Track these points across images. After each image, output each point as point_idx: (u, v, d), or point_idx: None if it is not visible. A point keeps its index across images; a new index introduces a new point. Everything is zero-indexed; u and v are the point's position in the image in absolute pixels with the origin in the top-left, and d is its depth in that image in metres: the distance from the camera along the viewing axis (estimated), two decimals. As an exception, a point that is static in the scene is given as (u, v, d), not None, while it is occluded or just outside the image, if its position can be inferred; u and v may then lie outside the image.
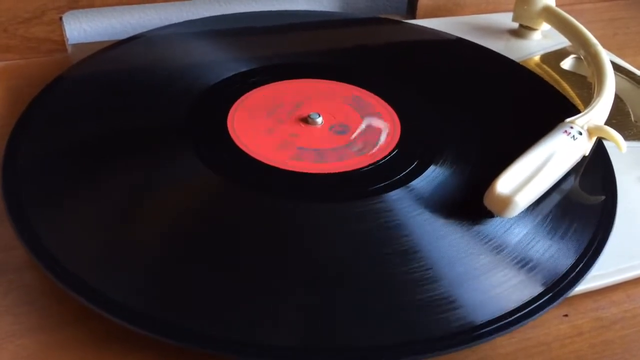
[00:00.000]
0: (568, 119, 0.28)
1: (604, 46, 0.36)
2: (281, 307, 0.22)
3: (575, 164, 0.28)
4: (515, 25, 0.43)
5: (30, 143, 0.28)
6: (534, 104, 0.34)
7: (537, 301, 0.22)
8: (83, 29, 0.45)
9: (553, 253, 0.24)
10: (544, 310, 0.22)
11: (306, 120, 0.30)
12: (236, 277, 0.22)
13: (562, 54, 0.41)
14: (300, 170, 0.27)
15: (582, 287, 0.24)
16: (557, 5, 0.41)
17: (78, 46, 0.40)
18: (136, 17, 0.46)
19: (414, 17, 0.47)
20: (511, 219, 0.25)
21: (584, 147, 0.28)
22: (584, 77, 0.38)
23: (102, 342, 0.22)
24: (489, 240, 0.24)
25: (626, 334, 0.23)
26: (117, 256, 0.23)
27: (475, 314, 0.21)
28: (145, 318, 0.21)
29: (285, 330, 0.21)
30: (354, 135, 0.29)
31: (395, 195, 0.26)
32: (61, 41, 0.38)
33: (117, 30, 0.45)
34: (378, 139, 0.29)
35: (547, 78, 0.37)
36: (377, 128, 0.30)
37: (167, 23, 0.40)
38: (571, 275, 0.23)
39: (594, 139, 0.29)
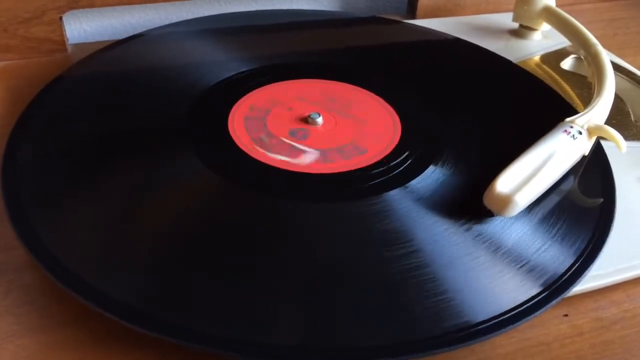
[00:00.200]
0: (568, 119, 0.28)
1: (604, 46, 0.36)
2: (281, 307, 0.22)
3: (575, 163, 0.28)
4: (516, 25, 0.43)
5: (30, 143, 0.28)
6: (534, 104, 0.34)
7: (537, 300, 0.22)
8: (83, 29, 0.45)
9: (552, 252, 0.24)
10: (543, 309, 0.22)
11: (306, 120, 0.30)
12: (236, 276, 0.22)
13: (562, 54, 0.41)
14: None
15: (582, 287, 0.24)
16: (557, 6, 0.41)
17: (78, 46, 0.40)
18: (136, 17, 0.46)
19: (414, 17, 0.47)
20: (511, 218, 0.25)
21: (584, 146, 0.28)
22: (584, 77, 0.38)
23: (102, 342, 0.22)
24: (489, 240, 0.24)
25: (626, 334, 0.23)
26: (117, 256, 0.23)
27: (475, 313, 0.21)
28: (145, 317, 0.21)
29: (285, 329, 0.21)
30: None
31: (395, 195, 0.26)
32: (61, 41, 0.38)
33: (117, 30, 0.45)
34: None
35: (547, 78, 0.38)
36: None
37: (167, 23, 0.40)
38: (571, 275, 0.23)
39: (593, 139, 0.29)
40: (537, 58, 0.40)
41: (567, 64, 0.40)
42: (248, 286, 0.22)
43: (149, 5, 0.45)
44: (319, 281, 0.23)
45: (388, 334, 0.21)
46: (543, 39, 0.43)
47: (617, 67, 0.38)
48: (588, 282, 0.24)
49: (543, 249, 0.24)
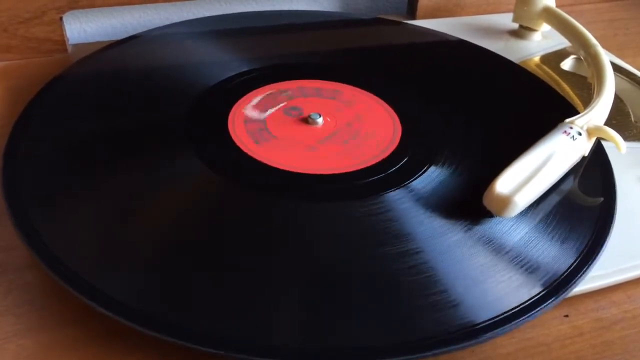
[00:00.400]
0: (568, 119, 0.28)
1: (604, 47, 0.36)
2: (281, 307, 0.22)
3: (574, 164, 0.28)
4: (516, 26, 0.43)
5: (30, 143, 0.28)
6: (534, 104, 0.34)
7: (537, 301, 0.22)
8: (83, 29, 0.45)
9: (553, 253, 0.24)
10: (544, 309, 0.22)
11: (307, 120, 0.30)
12: (236, 276, 0.22)
13: (562, 54, 0.41)
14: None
15: (582, 287, 0.24)
16: (557, 6, 0.41)
17: (78, 46, 0.40)
18: (136, 17, 0.46)
19: (414, 18, 0.47)
20: (511, 219, 0.25)
21: (584, 147, 0.28)
22: (584, 78, 0.38)
23: (102, 341, 0.22)
24: (489, 241, 0.24)
25: (626, 335, 0.23)
26: (118, 255, 0.23)
27: (475, 314, 0.21)
28: (145, 317, 0.21)
29: (285, 330, 0.21)
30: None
31: (396, 195, 0.26)
32: (61, 41, 0.38)
33: (117, 30, 0.45)
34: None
35: (547, 79, 0.38)
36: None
37: (167, 23, 0.40)
38: (571, 275, 0.23)
39: (593, 140, 0.29)
40: (537, 58, 0.40)
41: (567, 64, 0.40)
42: (248, 286, 0.22)
43: (149, 5, 0.45)
44: (319, 281, 0.23)
45: (388, 334, 0.21)
46: (543, 40, 0.43)
47: (617, 68, 0.38)
48: (588, 282, 0.24)
49: (543, 249, 0.24)
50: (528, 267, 0.23)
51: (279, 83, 0.33)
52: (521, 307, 0.22)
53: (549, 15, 0.41)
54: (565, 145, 0.27)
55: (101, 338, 0.22)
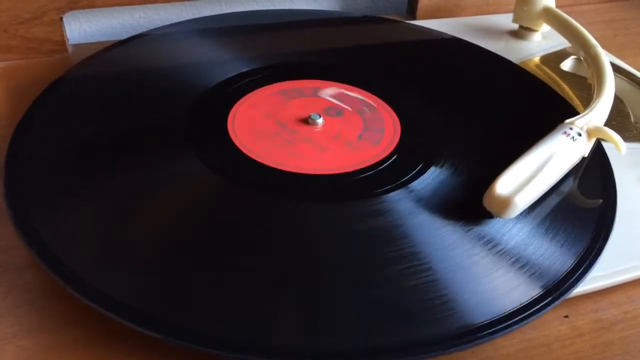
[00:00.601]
0: (567, 120, 0.28)
1: (604, 47, 0.36)
2: (281, 307, 0.22)
3: (574, 165, 0.28)
4: (515, 26, 0.43)
5: (32, 143, 0.28)
6: (534, 105, 0.34)
7: (537, 302, 0.22)
8: (83, 29, 0.45)
9: (553, 254, 0.24)
10: (544, 311, 0.22)
11: (306, 121, 0.30)
12: (236, 277, 0.22)
13: (562, 55, 0.41)
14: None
15: (582, 288, 0.24)
16: (557, 7, 0.41)
17: (79, 46, 0.40)
18: (136, 17, 0.46)
19: (414, 18, 0.47)
20: (511, 219, 0.25)
21: (584, 148, 0.28)
22: (584, 79, 0.38)
23: (102, 342, 0.22)
24: (489, 241, 0.24)
25: (626, 335, 0.23)
26: (118, 256, 0.23)
27: (475, 315, 0.22)
28: (145, 317, 0.21)
29: (285, 330, 0.21)
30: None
31: (396, 196, 0.26)
32: (62, 41, 0.38)
33: (117, 30, 0.45)
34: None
35: (547, 79, 0.38)
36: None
37: (167, 23, 0.40)
38: (571, 276, 0.23)
39: (593, 140, 0.29)
40: (537, 59, 0.40)
41: (567, 65, 0.40)
42: (248, 286, 0.22)
43: (149, 5, 0.45)
44: (319, 282, 0.23)
45: (388, 335, 0.21)
46: (543, 40, 0.43)
47: (617, 68, 0.38)
48: (588, 283, 0.24)
49: (543, 250, 0.24)
50: (528, 268, 0.23)
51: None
52: (521, 308, 0.22)
53: (548, 15, 0.41)
54: (565, 146, 0.27)
55: (101, 338, 0.22)
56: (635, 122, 0.35)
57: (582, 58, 0.37)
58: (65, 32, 0.39)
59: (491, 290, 0.23)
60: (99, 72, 0.34)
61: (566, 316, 0.24)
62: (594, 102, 0.30)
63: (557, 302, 0.22)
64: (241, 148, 0.28)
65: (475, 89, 0.35)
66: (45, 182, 0.26)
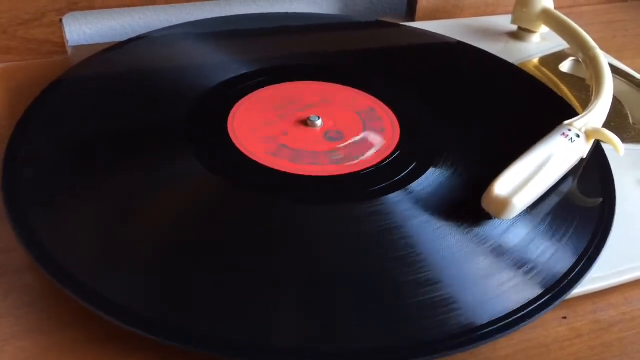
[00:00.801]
0: (566, 122, 0.28)
1: (603, 49, 0.36)
2: (281, 308, 0.22)
3: (573, 166, 0.28)
4: (514, 27, 0.44)
5: (31, 144, 0.28)
6: (533, 106, 0.34)
7: (536, 303, 0.22)
8: (83, 30, 0.45)
9: (551, 255, 0.24)
10: (543, 312, 0.22)
11: (306, 122, 0.30)
12: (236, 277, 0.23)
13: (560, 56, 0.41)
14: (299, 172, 0.27)
15: (580, 289, 0.24)
16: (555, 8, 0.41)
17: (78, 48, 0.40)
18: (136, 18, 0.46)
19: (412, 20, 0.47)
20: (509, 221, 0.25)
21: (582, 149, 0.28)
22: (582, 80, 0.38)
23: (101, 344, 0.22)
24: (487, 243, 0.24)
25: (624, 337, 0.23)
26: (117, 257, 0.23)
27: (474, 316, 0.22)
28: (144, 319, 0.21)
29: (285, 330, 0.21)
30: (342, 145, 0.29)
31: (395, 197, 0.26)
32: (61, 43, 0.39)
33: (117, 32, 0.45)
34: (363, 153, 0.29)
35: (545, 80, 0.38)
36: (369, 143, 0.30)
37: (167, 25, 0.40)
38: (569, 278, 0.23)
39: (591, 142, 0.29)
40: (535, 60, 0.40)
41: (565, 66, 0.40)
42: (248, 287, 0.22)
43: (148, 7, 0.45)
44: (319, 282, 0.23)
45: (387, 336, 0.21)
46: (542, 42, 0.43)
47: (616, 70, 0.38)
48: (587, 284, 0.24)
49: (542, 251, 0.24)
50: (527, 269, 0.24)
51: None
52: (520, 309, 0.22)
53: (547, 17, 0.41)
54: (564, 147, 0.27)
55: (100, 340, 0.22)
56: (634, 124, 0.35)
57: (580, 59, 0.37)
58: (64, 33, 0.39)
59: (490, 291, 0.23)
60: (98, 73, 0.34)
61: (565, 317, 0.24)
62: (592, 104, 0.31)
63: (555, 303, 0.22)
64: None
65: (474, 90, 0.35)
66: (44, 183, 0.26)
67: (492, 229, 0.25)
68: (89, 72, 0.34)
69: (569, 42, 0.39)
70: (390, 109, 0.32)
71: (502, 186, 0.25)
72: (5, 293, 0.23)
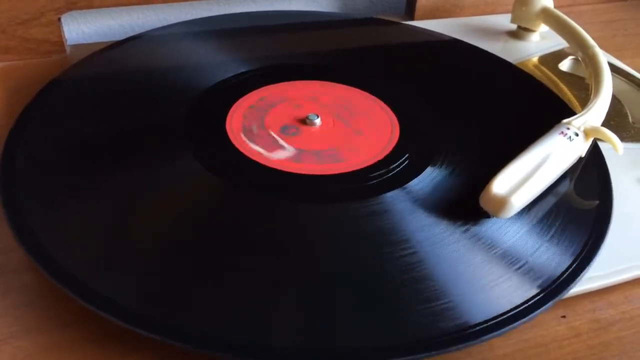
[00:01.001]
0: (565, 120, 0.28)
1: (603, 48, 0.36)
2: (281, 308, 0.22)
3: (571, 165, 0.28)
4: (514, 26, 0.44)
5: (29, 144, 0.28)
6: (532, 105, 0.34)
7: (534, 302, 0.22)
8: (82, 30, 0.45)
9: (549, 254, 0.24)
10: (540, 310, 0.22)
11: (304, 121, 0.30)
12: (236, 277, 0.22)
13: (560, 55, 0.41)
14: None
15: (579, 288, 0.24)
16: (555, 7, 0.41)
17: (77, 47, 0.40)
18: (135, 17, 0.46)
19: (412, 18, 0.47)
20: (507, 219, 0.25)
21: (581, 148, 0.28)
22: (582, 79, 0.38)
23: (100, 343, 0.22)
24: (486, 241, 0.24)
25: (624, 336, 0.23)
26: (116, 257, 0.23)
27: (472, 315, 0.22)
28: (144, 319, 0.21)
29: (285, 330, 0.21)
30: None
31: (394, 196, 0.26)
32: (60, 42, 0.38)
33: (115, 31, 0.45)
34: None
35: (545, 79, 0.38)
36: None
37: (165, 24, 0.40)
38: (568, 276, 0.23)
39: (590, 141, 0.29)
40: (535, 59, 0.40)
41: (565, 65, 0.40)
42: (248, 287, 0.22)
43: (147, 6, 0.45)
44: (319, 282, 0.23)
45: (385, 335, 0.21)
46: (541, 41, 0.43)
47: (615, 69, 0.38)
48: (586, 283, 0.24)
49: (540, 250, 0.24)
50: (525, 267, 0.24)
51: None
52: (518, 308, 0.22)
53: (547, 16, 0.41)
54: (562, 146, 0.27)
55: (99, 340, 0.22)
56: (633, 123, 0.35)
57: (580, 58, 0.37)
58: (63, 32, 0.39)
59: (488, 290, 0.23)
60: (96, 73, 0.34)
61: (563, 316, 0.24)
62: (591, 102, 0.30)
63: (553, 302, 0.22)
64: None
65: (473, 89, 0.35)
66: (42, 183, 0.26)
67: (490, 227, 0.25)
68: (87, 72, 0.34)
69: (568, 41, 0.39)
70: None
71: (500, 185, 0.25)
72: (4, 293, 0.23)
